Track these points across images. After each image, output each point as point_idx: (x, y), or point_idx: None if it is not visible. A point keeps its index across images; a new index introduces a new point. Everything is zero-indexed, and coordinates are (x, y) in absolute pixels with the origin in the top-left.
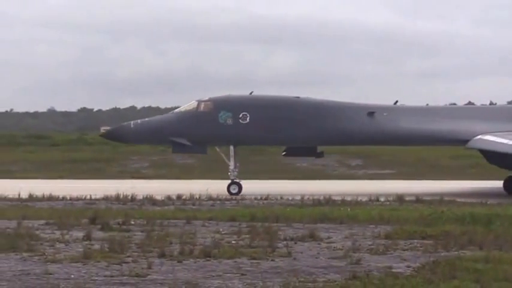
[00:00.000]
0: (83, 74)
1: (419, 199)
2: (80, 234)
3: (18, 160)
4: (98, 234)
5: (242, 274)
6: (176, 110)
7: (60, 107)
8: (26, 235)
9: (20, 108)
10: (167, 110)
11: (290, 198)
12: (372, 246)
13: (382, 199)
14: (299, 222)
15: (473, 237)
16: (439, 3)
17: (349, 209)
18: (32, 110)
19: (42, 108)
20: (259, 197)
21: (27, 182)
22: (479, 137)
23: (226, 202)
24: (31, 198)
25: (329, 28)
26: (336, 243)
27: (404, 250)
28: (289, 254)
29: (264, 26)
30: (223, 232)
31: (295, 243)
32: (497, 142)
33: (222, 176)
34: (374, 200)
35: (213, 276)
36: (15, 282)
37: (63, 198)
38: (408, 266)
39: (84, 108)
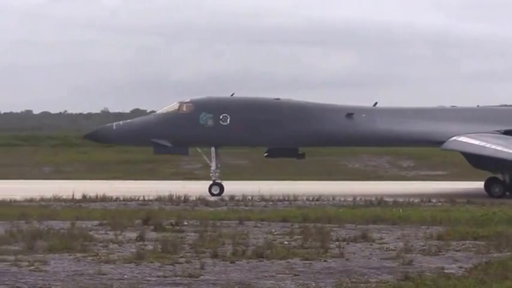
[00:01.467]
0: (137, 76)
1: (470, 200)
2: (133, 235)
3: (71, 161)
4: (151, 234)
5: (295, 275)
6: (158, 112)
7: (113, 108)
8: (79, 236)
9: (74, 109)
10: None
11: (342, 199)
12: (424, 247)
13: (434, 200)
14: (351, 223)
15: None
16: (492, 6)
17: (401, 210)
18: (85, 111)
19: (96, 109)
20: (311, 198)
21: (80, 182)
22: (454, 138)
23: (279, 203)
24: (85, 199)
25: (383, 30)
26: (388, 244)
27: (456, 251)
28: (342, 255)
29: (318, 28)
30: (275, 233)
31: (348, 244)
32: (469, 143)
33: (275, 177)
34: (426, 201)
35: (266, 276)
36: (69, 283)
37: (117, 199)
38: (460, 267)
39: (137, 109)
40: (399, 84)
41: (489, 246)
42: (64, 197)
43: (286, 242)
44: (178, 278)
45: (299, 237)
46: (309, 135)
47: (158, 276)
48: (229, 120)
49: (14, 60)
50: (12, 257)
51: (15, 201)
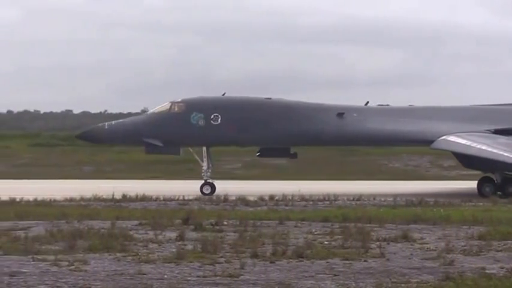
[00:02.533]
0: (177, 75)
1: None
2: (173, 235)
3: (111, 161)
4: (191, 234)
5: (335, 275)
6: (149, 111)
7: (153, 108)
8: (119, 235)
9: (114, 109)
10: None
11: (382, 199)
12: (465, 247)
13: (474, 200)
14: (392, 223)
15: None
16: None
17: (442, 210)
18: (125, 111)
19: (136, 108)
20: (351, 198)
21: (120, 182)
22: (443, 137)
23: (319, 203)
24: (124, 198)
25: (426, 29)
26: (429, 244)
27: (498, 251)
28: (382, 255)
29: (361, 27)
30: (315, 233)
31: (388, 244)
32: (457, 143)
33: (315, 177)
34: (466, 200)
35: (306, 276)
36: (109, 283)
37: (156, 199)
38: (502, 267)
39: None
40: (443, 83)
41: None
42: (104, 196)
43: (326, 242)
44: (218, 278)
45: (339, 237)
46: (300, 135)
47: (198, 276)
48: (220, 120)
49: (55, 59)
50: (52, 257)
51: (55, 201)
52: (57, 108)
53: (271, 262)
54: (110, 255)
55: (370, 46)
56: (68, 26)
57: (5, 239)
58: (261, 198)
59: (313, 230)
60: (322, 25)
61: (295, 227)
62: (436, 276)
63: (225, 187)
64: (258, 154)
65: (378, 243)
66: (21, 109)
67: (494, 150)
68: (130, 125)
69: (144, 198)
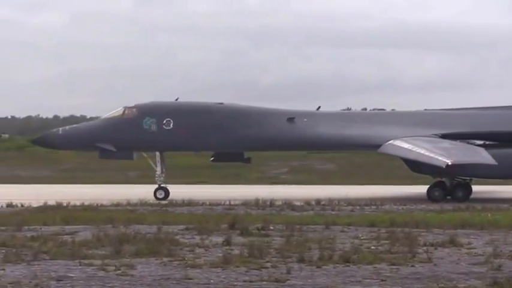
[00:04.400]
0: (224, 80)
1: None
2: (220, 239)
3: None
4: (237, 239)
5: (382, 280)
6: (103, 117)
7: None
8: (166, 240)
9: None
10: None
11: (429, 204)
12: None
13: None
14: (439, 228)
15: None
16: None
17: (489, 215)
18: None
19: None
20: (398, 203)
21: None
22: (390, 142)
23: (366, 207)
24: (171, 203)
25: (476, 33)
26: (477, 249)
27: None
28: (429, 260)
29: (409, 31)
30: (362, 237)
31: (435, 248)
32: (400, 147)
33: (362, 182)
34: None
35: (353, 282)
36: (156, 287)
37: (203, 204)
38: None
39: None
40: (492, 88)
41: None
42: (150, 201)
43: (373, 247)
44: (264, 282)
45: (386, 242)
46: (251, 140)
47: (244, 281)
48: (173, 125)
49: (99, 64)
50: (99, 261)
51: (102, 205)
52: (102, 113)
53: (317, 267)
54: (156, 259)
55: (418, 50)
56: (114, 31)
57: (52, 244)
58: (308, 203)
59: (360, 235)
60: (369, 29)
61: (341, 231)
62: (483, 281)
63: (271, 191)
64: (212, 159)
65: (425, 248)
66: (67, 114)
67: (431, 154)
68: (84, 130)
69: (190, 203)
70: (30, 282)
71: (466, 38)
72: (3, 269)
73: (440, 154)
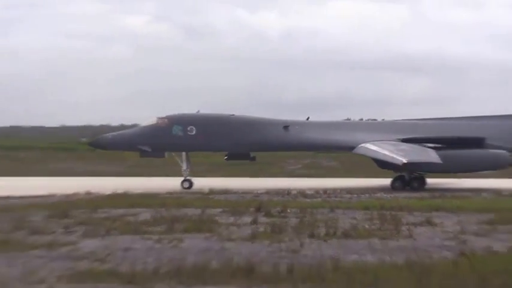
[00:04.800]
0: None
1: None
2: (249, 219)
3: (198, 162)
4: (262, 219)
5: (374, 251)
6: (141, 125)
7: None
8: (207, 220)
9: None
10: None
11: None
12: (476, 230)
13: (484, 193)
14: (418, 211)
15: None
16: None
17: (457, 202)
18: None
19: None
20: (387, 192)
21: (206, 180)
22: (361, 145)
23: (361, 195)
24: (211, 192)
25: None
26: (448, 227)
27: (503, 233)
28: (411, 236)
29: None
30: (358, 218)
31: (415, 227)
32: (369, 149)
33: (359, 175)
34: (477, 194)
35: (351, 252)
36: (200, 256)
37: (236, 192)
38: (505, 246)
39: None
40: (465, 102)
41: None
42: (195, 190)
43: (367, 226)
44: (283, 253)
45: (377, 221)
46: (255, 143)
47: (268, 252)
48: (195, 131)
49: (158, 85)
50: (156, 236)
51: (158, 193)
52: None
53: (324, 241)
54: (200, 234)
55: (405, 73)
56: (168, 59)
57: (120, 223)
58: (317, 192)
59: (357, 216)
60: (368, 58)
61: (342, 214)
62: (453, 253)
63: (289, 183)
64: (225, 158)
65: (407, 226)
66: (130, 123)
67: (392, 155)
68: (127, 135)
69: (226, 192)
70: (103, 252)
71: (443, 63)
72: (83, 242)
73: (399, 154)
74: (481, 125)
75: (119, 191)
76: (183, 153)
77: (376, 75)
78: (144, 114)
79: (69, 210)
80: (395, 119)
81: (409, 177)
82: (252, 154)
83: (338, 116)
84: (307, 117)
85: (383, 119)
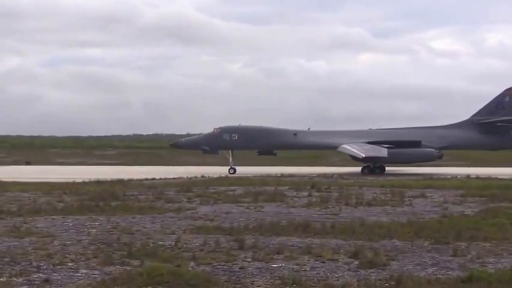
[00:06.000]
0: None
1: (479, 177)
2: (306, 193)
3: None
4: (314, 193)
5: (387, 214)
6: (203, 134)
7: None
8: (279, 194)
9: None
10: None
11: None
12: (454, 201)
13: (458, 176)
14: (416, 188)
15: (508, 196)
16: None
17: (441, 182)
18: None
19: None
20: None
21: (280, 168)
22: (342, 145)
23: (380, 178)
24: (283, 175)
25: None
26: (435, 199)
27: (471, 203)
28: (411, 204)
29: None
30: (377, 193)
31: (414, 199)
32: (346, 148)
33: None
34: (454, 177)
35: (372, 215)
36: (273, 216)
37: (298, 176)
38: (472, 211)
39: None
40: (443, 121)
41: (488, 200)
42: (273, 174)
43: (382, 197)
44: (328, 215)
45: (390, 195)
46: (276, 144)
47: (318, 214)
48: (237, 137)
49: (239, 107)
50: (246, 204)
51: (247, 176)
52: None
53: (354, 207)
54: (274, 203)
55: (397, 99)
56: (254, 91)
57: (223, 195)
58: (351, 175)
59: (376, 192)
60: (355, 86)
61: (367, 190)
62: (438, 215)
63: (332, 170)
64: (257, 154)
65: (408, 198)
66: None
67: (357, 151)
68: (195, 140)
69: (292, 175)
70: (213, 214)
71: (427, 92)
72: (200, 208)
73: (361, 151)
74: (418, 132)
75: (222, 175)
76: (230, 151)
77: (377, 102)
78: (220, 125)
79: (191, 187)
80: (365, 128)
81: (373, 166)
82: (274, 151)
83: (344, 127)
84: (308, 128)
85: (357, 130)
